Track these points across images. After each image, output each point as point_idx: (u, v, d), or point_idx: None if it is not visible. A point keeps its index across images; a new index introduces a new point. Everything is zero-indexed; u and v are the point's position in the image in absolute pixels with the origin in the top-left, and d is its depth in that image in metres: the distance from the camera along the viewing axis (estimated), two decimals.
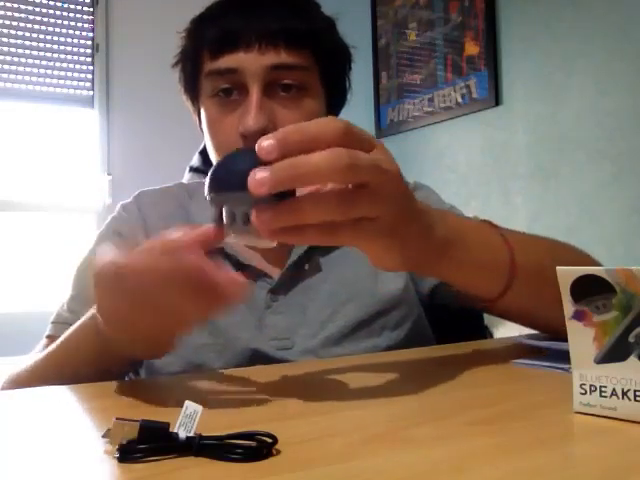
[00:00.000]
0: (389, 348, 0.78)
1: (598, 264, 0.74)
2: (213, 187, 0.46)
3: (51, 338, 0.76)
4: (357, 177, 0.44)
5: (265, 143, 0.42)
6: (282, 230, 0.44)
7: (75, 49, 3.12)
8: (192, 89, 0.81)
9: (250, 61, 0.72)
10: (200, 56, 0.77)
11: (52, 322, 0.79)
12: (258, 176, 0.41)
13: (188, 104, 0.84)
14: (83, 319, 0.60)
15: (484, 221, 0.69)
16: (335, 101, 0.83)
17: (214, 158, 0.79)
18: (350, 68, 0.83)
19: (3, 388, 0.70)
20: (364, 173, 0.44)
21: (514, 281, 0.62)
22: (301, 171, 0.41)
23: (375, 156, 0.45)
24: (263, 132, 0.71)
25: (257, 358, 0.75)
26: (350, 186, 0.44)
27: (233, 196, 0.45)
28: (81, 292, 0.79)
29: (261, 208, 0.43)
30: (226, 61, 0.73)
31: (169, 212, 0.84)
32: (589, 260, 0.76)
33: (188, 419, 0.36)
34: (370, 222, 0.46)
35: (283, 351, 0.75)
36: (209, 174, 0.47)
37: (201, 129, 0.83)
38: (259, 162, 0.42)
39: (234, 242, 0.48)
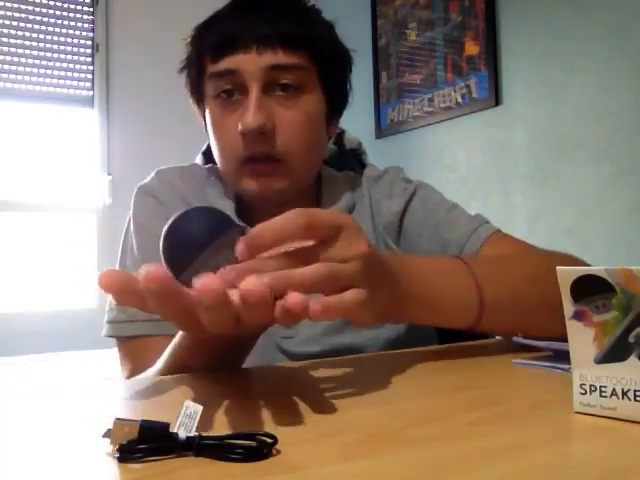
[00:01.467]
0: (390, 339, 0.79)
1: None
2: (179, 266, 0.46)
3: (135, 339, 0.76)
4: (337, 283, 0.48)
5: (238, 249, 0.45)
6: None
7: (75, 49, 3.12)
8: (197, 93, 0.83)
9: (249, 62, 0.75)
10: (203, 61, 0.79)
11: (125, 321, 0.77)
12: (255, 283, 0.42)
13: (194, 107, 0.86)
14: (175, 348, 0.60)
15: (455, 257, 0.71)
16: (336, 103, 0.84)
17: (218, 158, 0.81)
18: (351, 71, 0.85)
19: None
20: (342, 278, 0.48)
21: (482, 316, 0.65)
22: (289, 282, 0.45)
23: (344, 247, 0.49)
24: (261, 130, 0.74)
25: (260, 347, 0.75)
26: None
27: (201, 260, 0.46)
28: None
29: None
30: (226, 63, 0.76)
31: (193, 191, 0.85)
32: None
33: (188, 419, 0.36)
34: (349, 291, 0.49)
35: (286, 340, 0.77)
36: (164, 259, 0.47)
37: (207, 131, 0.84)
38: (208, 220, 0.47)
39: None
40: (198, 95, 0.83)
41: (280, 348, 0.77)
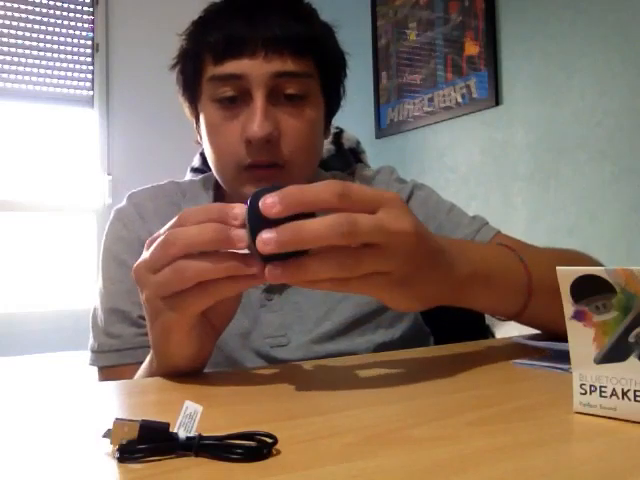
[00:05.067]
0: (384, 344, 0.79)
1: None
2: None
3: (107, 369, 0.77)
4: (357, 240, 0.47)
5: (268, 200, 0.45)
6: (301, 272, 0.47)
7: (75, 49, 3.12)
8: (191, 91, 0.80)
9: (255, 68, 0.72)
10: (202, 59, 0.76)
11: (97, 351, 0.78)
12: (265, 236, 0.45)
13: (185, 105, 0.83)
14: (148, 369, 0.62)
15: (500, 244, 0.72)
16: (331, 108, 0.83)
17: (215, 162, 0.79)
18: (345, 75, 0.84)
19: None
20: (365, 236, 0.47)
21: (530, 301, 0.65)
22: (303, 235, 0.45)
23: (380, 216, 0.48)
24: (268, 139, 0.72)
25: (252, 356, 0.75)
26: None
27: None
28: (112, 313, 0.79)
29: (273, 265, 0.47)
30: (230, 67, 0.73)
31: (163, 209, 0.84)
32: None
33: (188, 419, 0.36)
34: (381, 276, 0.49)
35: (278, 348, 0.76)
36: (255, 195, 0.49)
37: (197, 131, 0.83)
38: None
39: None
40: (192, 93, 0.80)
41: (271, 357, 0.76)
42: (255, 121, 0.72)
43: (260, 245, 0.45)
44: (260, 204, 0.46)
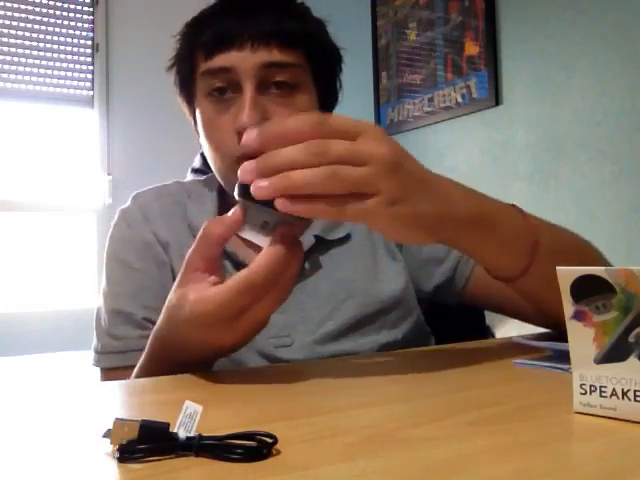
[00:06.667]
0: (387, 344, 0.79)
1: (608, 262, 0.75)
2: (243, 193, 0.52)
3: (110, 370, 0.78)
4: (329, 159, 0.49)
5: (249, 136, 0.50)
6: (294, 200, 0.49)
7: (75, 49, 3.11)
8: (187, 90, 0.82)
9: (243, 59, 0.73)
10: (195, 58, 0.78)
11: (100, 352, 0.79)
12: (245, 166, 0.50)
13: (183, 106, 0.84)
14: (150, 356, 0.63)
15: (509, 204, 0.71)
16: (327, 101, 0.84)
17: (211, 157, 0.80)
18: (341, 69, 0.85)
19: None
20: (336, 156, 0.49)
21: (535, 259, 0.64)
22: (277, 160, 0.49)
23: (357, 142, 0.50)
24: None
25: (255, 357, 0.75)
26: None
27: (257, 206, 0.52)
28: (116, 315, 0.79)
29: (260, 182, 0.50)
30: (220, 60, 0.74)
31: (168, 209, 0.85)
32: (603, 259, 0.77)
33: (188, 419, 0.36)
34: (372, 198, 0.51)
35: (282, 348, 0.76)
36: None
37: (196, 130, 0.83)
38: None
39: (244, 236, 0.55)
40: (188, 93, 0.82)
41: (275, 357, 0.76)
42: (244, 112, 0.72)
43: (241, 174, 0.50)
44: (242, 141, 0.51)
